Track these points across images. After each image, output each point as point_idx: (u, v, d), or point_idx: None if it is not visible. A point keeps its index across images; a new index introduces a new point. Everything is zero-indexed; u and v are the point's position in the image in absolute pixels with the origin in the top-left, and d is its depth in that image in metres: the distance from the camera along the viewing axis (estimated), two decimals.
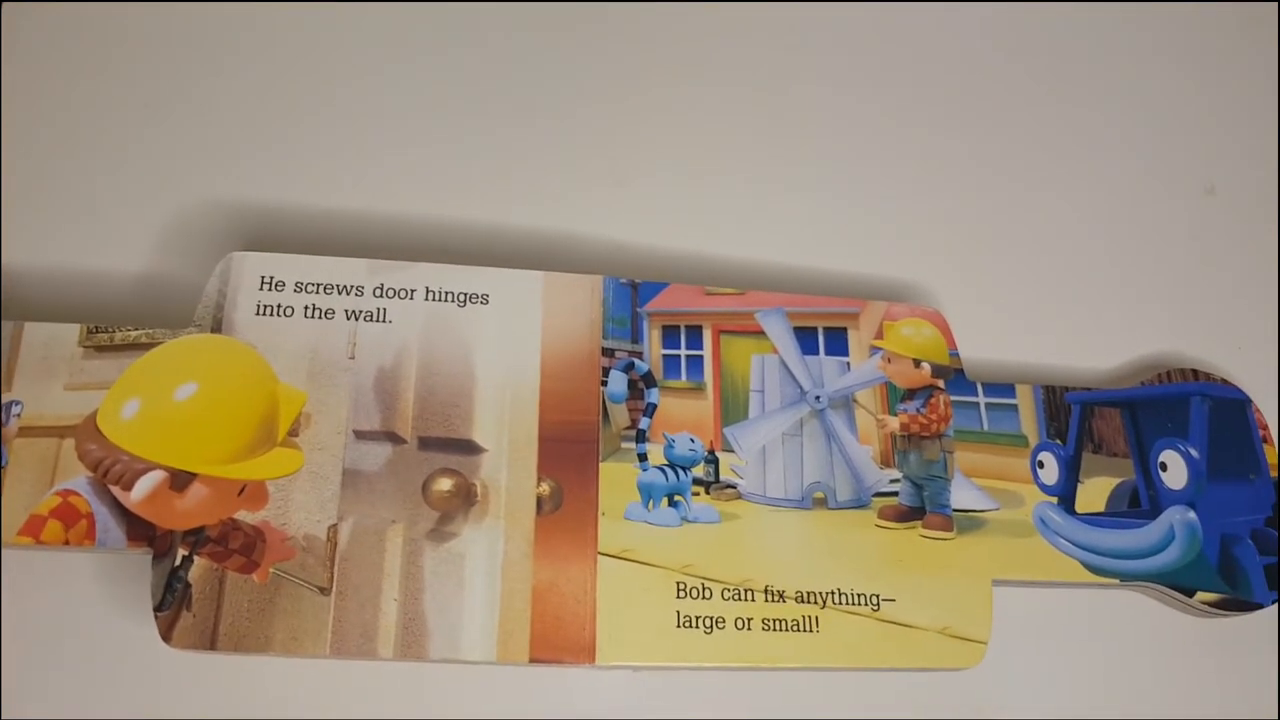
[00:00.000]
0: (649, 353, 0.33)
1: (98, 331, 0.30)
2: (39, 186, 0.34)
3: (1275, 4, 0.43)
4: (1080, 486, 0.34)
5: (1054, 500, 0.33)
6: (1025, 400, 0.34)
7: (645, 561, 0.30)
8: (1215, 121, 0.41)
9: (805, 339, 0.34)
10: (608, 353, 0.32)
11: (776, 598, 0.30)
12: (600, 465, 0.31)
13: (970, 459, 0.33)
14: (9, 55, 0.35)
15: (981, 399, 0.34)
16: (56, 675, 0.30)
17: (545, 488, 0.30)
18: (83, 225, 0.34)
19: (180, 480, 0.27)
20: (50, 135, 0.35)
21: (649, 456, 0.32)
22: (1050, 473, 0.34)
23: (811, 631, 0.30)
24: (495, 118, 0.37)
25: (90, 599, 0.30)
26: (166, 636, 0.27)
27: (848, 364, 0.34)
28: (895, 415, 0.33)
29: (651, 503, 0.31)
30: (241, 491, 0.28)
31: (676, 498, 0.31)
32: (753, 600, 0.30)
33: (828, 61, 0.40)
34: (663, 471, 0.31)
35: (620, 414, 0.32)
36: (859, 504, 0.32)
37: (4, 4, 0.36)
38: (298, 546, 0.29)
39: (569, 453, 0.31)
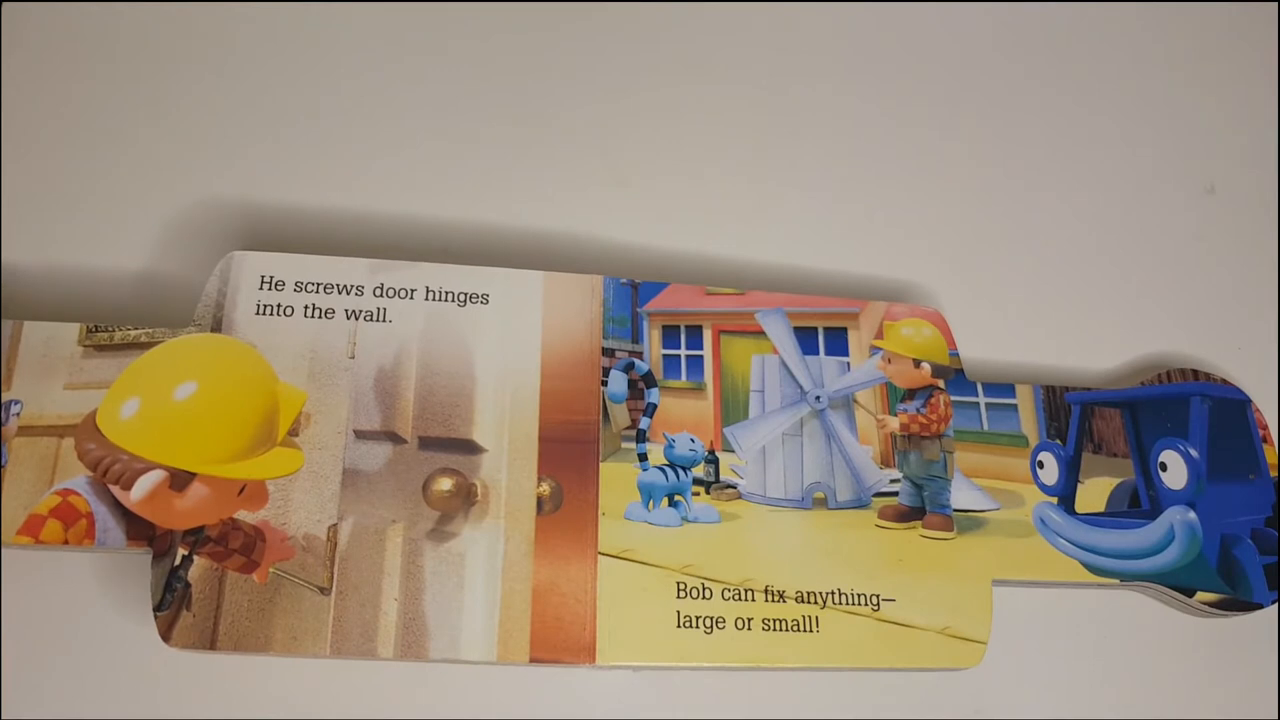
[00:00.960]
0: (649, 353, 0.33)
1: (98, 331, 0.30)
2: (39, 186, 0.34)
3: (1275, 4, 0.43)
4: (1080, 486, 0.34)
5: (1054, 500, 0.33)
6: (1025, 400, 0.34)
7: (645, 561, 0.30)
8: (1215, 121, 0.41)
9: (805, 339, 0.34)
10: (608, 353, 0.32)
11: (776, 598, 0.30)
12: (600, 465, 0.31)
13: (970, 459, 0.33)
14: (9, 55, 0.35)
15: (981, 399, 0.34)
16: (56, 675, 0.30)
17: (545, 488, 0.30)
18: (83, 225, 0.34)
19: (180, 480, 0.27)
20: (50, 135, 0.35)
21: (649, 456, 0.32)
22: (1050, 473, 0.34)
23: (811, 631, 0.30)
24: (495, 118, 0.37)
25: (90, 599, 0.30)
26: (166, 636, 0.27)
27: (848, 364, 0.34)
28: (895, 415, 0.33)
29: (652, 503, 0.31)
30: (241, 491, 0.28)
31: (677, 498, 0.31)
32: (753, 600, 0.30)
33: (828, 61, 0.40)
34: (663, 471, 0.31)
35: (620, 414, 0.32)
36: (859, 504, 0.32)
37: (4, 4, 0.36)
38: (298, 546, 0.29)
39: (569, 453, 0.31)
